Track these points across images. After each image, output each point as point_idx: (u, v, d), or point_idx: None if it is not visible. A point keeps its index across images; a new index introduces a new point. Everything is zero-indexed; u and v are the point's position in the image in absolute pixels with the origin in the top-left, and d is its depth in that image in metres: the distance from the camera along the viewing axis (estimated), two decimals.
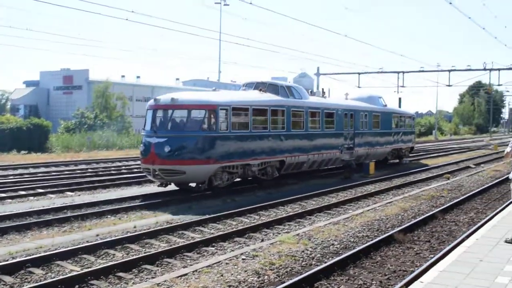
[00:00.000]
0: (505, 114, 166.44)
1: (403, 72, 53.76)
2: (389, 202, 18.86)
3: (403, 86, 54.40)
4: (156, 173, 19.44)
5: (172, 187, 21.61)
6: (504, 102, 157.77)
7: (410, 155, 39.09)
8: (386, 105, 34.88)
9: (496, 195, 21.55)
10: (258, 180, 22.88)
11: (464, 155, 45.69)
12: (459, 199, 19.24)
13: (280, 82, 25.68)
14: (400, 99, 38.00)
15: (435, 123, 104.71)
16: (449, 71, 52.71)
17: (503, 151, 12.52)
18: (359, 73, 55.00)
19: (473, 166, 34.15)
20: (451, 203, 18.41)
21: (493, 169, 31.95)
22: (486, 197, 20.91)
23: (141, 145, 20.35)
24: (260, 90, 24.16)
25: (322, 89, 31.58)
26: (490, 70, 50.40)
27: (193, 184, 20.96)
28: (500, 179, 26.12)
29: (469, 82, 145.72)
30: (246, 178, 22.35)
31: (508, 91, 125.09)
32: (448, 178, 26.90)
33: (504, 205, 17.35)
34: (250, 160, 21.65)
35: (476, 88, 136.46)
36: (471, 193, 21.39)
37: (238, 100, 21.47)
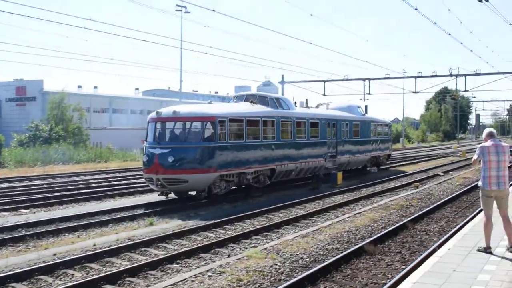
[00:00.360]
0: (472, 120, 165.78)
1: (369, 79, 53.72)
2: (358, 213, 18.84)
3: (369, 93, 54.17)
4: (160, 182, 21.18)
5: (149, 198, 21.15)
6: (471, 108, 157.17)
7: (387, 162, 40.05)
8: (364, 114, 37.32)
9: (466, 203, 21.63)
10: (252, 188, 24.36)
11: (433, 163, 46.10)
12: (429, 208, 19.30)
13: (269, 94, 27.98)
14: (366, 106, 38.25)
15: (402, 131, 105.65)
16: (415, 77, 52.82)
17: (471, 158, 12.03)
18: (324, 81, 55.00)
19: (442, 174, 34.21)
20: (421, 212, 18.43)
21: (462, 176, 32.07)
22: (456, 205, 20.96)
23: (144, 155, 22.09)
24: (251, 102, 26.23)
25: (306, 100, 33.72)
26: (456, 76, 50.72)
27: (192, 193, 22.33)
28: (469, 186, 26.26)
29: (435, 88, 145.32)
30: (241, 185, 24.15)
31: (474, 97, 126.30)
32: (417, 187, 26.90)
33: (474, 213, 17.43)
34: (245, 169, 23.36)
35: (443, 94, 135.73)
36: (441, 201, 21.40)
37: (234, 112, 23.43)
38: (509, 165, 10.12)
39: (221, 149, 21.99)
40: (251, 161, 23.75)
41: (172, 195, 22.78)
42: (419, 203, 21.44)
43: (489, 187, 9.86)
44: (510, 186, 10.72)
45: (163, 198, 22.55)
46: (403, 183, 28.95)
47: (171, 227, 16.55)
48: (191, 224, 17.03)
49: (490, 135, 10.03)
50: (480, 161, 9.98)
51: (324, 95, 55.02)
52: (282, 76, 55.86)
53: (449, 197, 22.58)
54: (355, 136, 34.28)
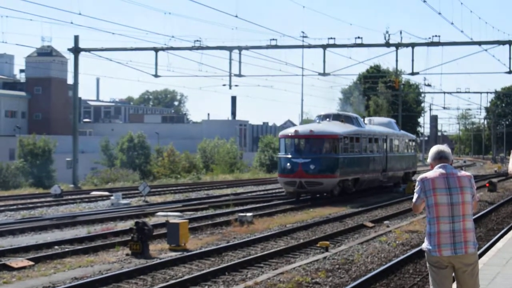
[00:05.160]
0: (424, 127, 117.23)
1: (239, 49, 43.47)
2: None
3: (239, 75, 44.42)
4: (302, 184, 33.83)
5: None
6: (423, 105, 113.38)
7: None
8: (401, 130, 49.50)
9: (413, 278, 16.91)
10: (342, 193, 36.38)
11: (353, 205, 35.74)
12: None
13: (352, 114, 42.03)
14: (234, 98, 34.02)
15: None
16: (324, 47, 43.03)
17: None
18: (156, 49, 44.60)
19: (370, 225, 27.96)
20: None
21: (406, 229, 26.12)
22: (396, 283, 16.50)
23: (286, 164, 34.39)
24: (341, 121, 38.37)
25: (364, 116, 47.19)
26: (397, 46, 42.16)
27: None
28: (418, 248, 20.66)
29: (359, 68, 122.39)
30: (343, 191, 36.15)
31: (429, 85, 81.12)
32: (327, 248, 20.95)
33: None
34: (348, 176, 36.04)
35: (372, 80, 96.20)
36: (368, 275, 16.63)
37: (346, 131, 36.48)
38: (474, 210, 8.07)
39: (341, 160, 34.85)
40: (349, 171, 36.26)
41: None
42: (329, 279, 16.71)
43: (438, 252, 7.91)
44: (477, 247, 8.03)
45: None
46: (301, 241, 22.77)
47: None
48: None
49: (439, 158, 8.13)
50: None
51: (156, 75, 46.04)
52: (76, 39, 44.98)
53: (383, 268, 17.63)
54: (395, 151, 44.80)
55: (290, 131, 36.40)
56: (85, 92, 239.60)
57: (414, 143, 51.19)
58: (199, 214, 29.11)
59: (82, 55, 47.09)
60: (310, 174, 33.60)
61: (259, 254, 19.60)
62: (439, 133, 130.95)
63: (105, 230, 23.11)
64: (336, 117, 39.19)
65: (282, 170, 35.06)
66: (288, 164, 34.16)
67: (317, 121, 39.77)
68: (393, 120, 48.47)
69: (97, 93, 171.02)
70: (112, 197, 33.95)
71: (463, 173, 8.11)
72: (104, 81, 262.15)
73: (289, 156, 34.59)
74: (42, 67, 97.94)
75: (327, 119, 38.84)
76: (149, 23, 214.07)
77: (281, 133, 37.14)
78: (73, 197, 37.15)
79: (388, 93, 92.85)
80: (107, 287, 14.91)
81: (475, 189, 8.08)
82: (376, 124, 44.77)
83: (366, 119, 45.47)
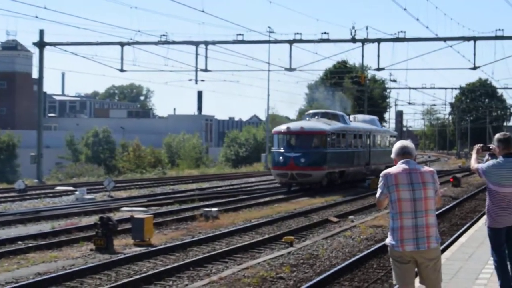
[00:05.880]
0: (390, 122, 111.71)
1: (206, 43, 43.65)
2: None
3: (206, 70, 44.51)
4: (293, 176, 36.87)
5: None
6: (388, 100, 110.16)
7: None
8: (383, 126, 53.62)
9: (377, 273, 16.61)
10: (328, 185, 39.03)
11: (319, 199, 35.33)
12: (311, 283, 14.77)
13: (338, 112, 45.06)
14: (200, 93, 32.40)
15: (266, 139, 68.85)
16: (290, 42, 42.42)
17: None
18: (122, 44, 44.26)
19: (335, 220, 27.42)
20: None
21: (371, 223, 25.51)
22: (360, 277, 16.21)
23: (279, 158, 37.75)
24: (329, 118, 41.52)
25: (349, 115, 48.62)
26: (363, 41, 41.86)
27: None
28: (382, 243, 20.11)
29: (326, 63, 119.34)
30: (330, 183, 39.17)
31: (394, 81, 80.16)
32: (291, 243, 20.40)
33: None
34: (333, 169, 39.14)
35: (339, 75, 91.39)
36: (332, 270, 16.25)
37: (333, 128, 39.95)
38: (438, 205, 8.02)
39: (328, 154, 38.10)
40: (336, 164, 39.29)
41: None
42: (294, 274, 16.41)
43: (400, 247, 7.79)
44: (439, 242, 7.95)
45: None
46: (266, 236, 22.09)
47: None
48: None
49: (403, 154, 8.01)
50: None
51: (122, 70, 45.55)
52: (41, 33, 44.30)
53: (347, 263, 17.26)
54: (378, 146, 48.13)
55: (283, 127, 39.32)
56: (50, 87, 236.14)
57: (395, 139, 53.49)
58: (164, 209, 28.66)
59: (47, 49, 46.46)
60: (301, 167, 36.55)
61: (224, 249, 19.30)
62: (404, 129, 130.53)
63: (69, 225, 22.69)
64: (324, 115, 42.54)
65: (275, 163, 38.31)
66: (281, 157, 37.43)
67: (307, 118, 43.00)
68: (376, 118, 52.32)
69: (62, 87, 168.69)
70: (76, 192, 33.35)
71: (426, 168, 8.06)
72: (69, 75, 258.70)
73: (282, 150, 37.74)
74: (7, 61, 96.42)
75: (316, 117, 42.18)
76: (115, 17, 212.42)
77: (275, 129, 40.36)
78: (37, 192, 36.43)
79: (354, 89, 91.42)
80: (71, 282, 14.64)
81: (438, 184, 8.01)
82: (360, 121, 47.98)
83: (351, 117, 48.69)
